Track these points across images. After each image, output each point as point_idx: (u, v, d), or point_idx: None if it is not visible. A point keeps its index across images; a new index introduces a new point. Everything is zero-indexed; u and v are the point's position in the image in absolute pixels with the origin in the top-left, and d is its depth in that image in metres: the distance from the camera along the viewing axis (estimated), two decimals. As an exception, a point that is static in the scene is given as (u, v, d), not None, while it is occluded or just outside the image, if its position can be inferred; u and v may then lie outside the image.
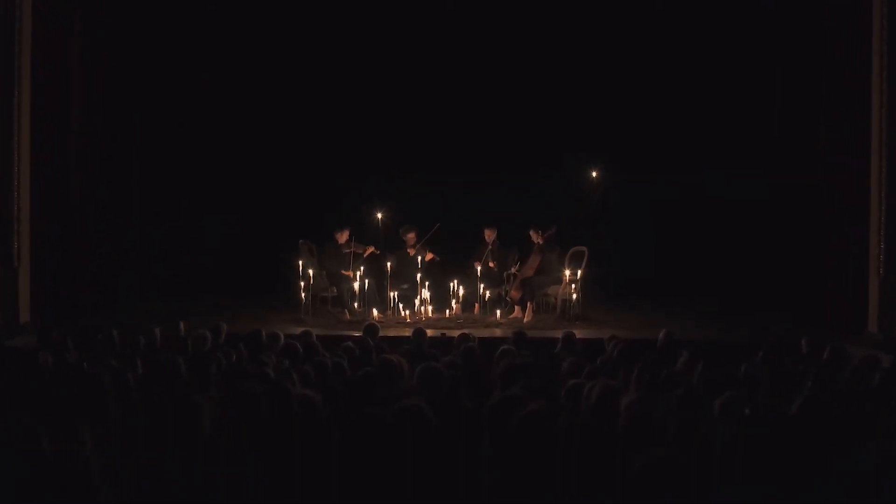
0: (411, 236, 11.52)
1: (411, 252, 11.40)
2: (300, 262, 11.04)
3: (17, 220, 9.84)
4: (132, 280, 11.82)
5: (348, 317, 10.93)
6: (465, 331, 8.50)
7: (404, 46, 12.53)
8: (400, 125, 12.81)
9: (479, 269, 11.16)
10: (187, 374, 5.62)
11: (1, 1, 9.65)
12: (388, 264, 11.09)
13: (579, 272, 10.92)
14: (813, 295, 10.72)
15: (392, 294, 10.99)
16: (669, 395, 4.84)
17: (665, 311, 11.14)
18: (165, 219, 12.53)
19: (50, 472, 3.06)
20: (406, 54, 12.57)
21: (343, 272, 11.16)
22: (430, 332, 8.45)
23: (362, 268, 11.11)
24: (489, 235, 11.44)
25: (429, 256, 11.48)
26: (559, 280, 10.98)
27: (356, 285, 10.96)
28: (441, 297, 11.28)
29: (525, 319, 10.78)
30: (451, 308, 11.09)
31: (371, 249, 11.44)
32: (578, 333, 8.47)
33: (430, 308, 11.05)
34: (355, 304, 11.03)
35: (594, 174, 12.27)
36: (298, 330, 8.51)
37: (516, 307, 11.16)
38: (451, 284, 11.09)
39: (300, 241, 11.56)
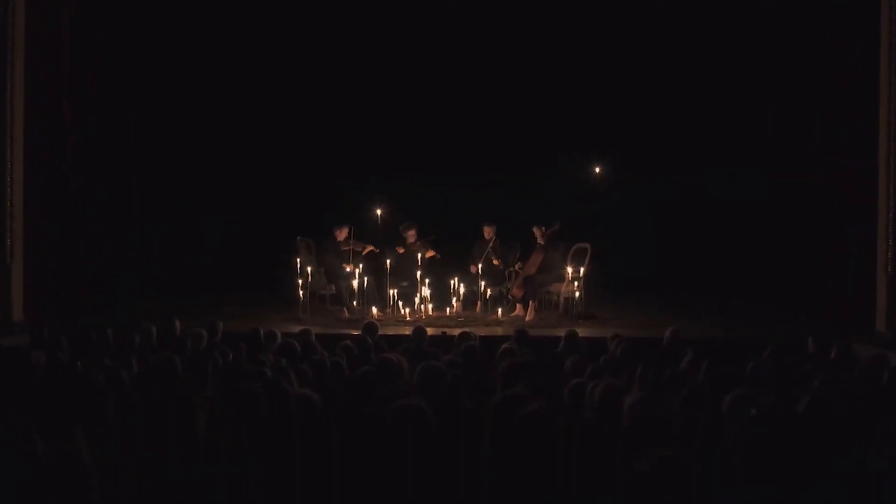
0: (412, 233, 11.52)
1: (400, 250, 11.36)
2: (298, 260, 11.04)
3: (10, 216, 9.84)
4: (127, 278, 11.81)
5: (347, 315, 10.92)
6: (466, 329, 8.49)
7: (403, 43, 12.52)
8: (399, 121, 12.81)
9: (480, 267, 11.15)
10: (183, 373, 5.63)
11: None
12: (388, 261, 11.09)
13: (582, 270, 10.90)
14: (819, 293, 10.71)
15: (391, 292, 10.98)
16: (674, 395, 4.84)
17: (669, 309, 11.13)
18: (161, 216, 12.51)
19: (44, 474, 3.05)
20: (405, 50, 12.56)
21: (344, 265, 11.16)
22: (430, 331, 8.45)
23: (361, 265, 11.10)
24: (488, 232, 11.44)
25: (429, 254, 11.48)
26: (562, 278, 10.97)
27: (355, 283, 10.96)
28: (441, 295, 11.28)
29: (527, 318, 10.77)
30: (451, 306, 11.09)
31: (370, 248, 11.44)
32: (581, 332, 8.46)
33: (430, 306, 11.05)
34: (354, 302, 11.03)
35: (597, 170, 12.25)
36: (297, 328, 8.50)
37: (518, 305, 11.16)
38: (452, 282, 11.09)
39: (298, 238, 11.55)
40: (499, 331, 9.97)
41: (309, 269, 11.06)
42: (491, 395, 5.05)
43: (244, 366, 6.17)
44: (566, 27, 12.47)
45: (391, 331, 9.50)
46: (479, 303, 11.20)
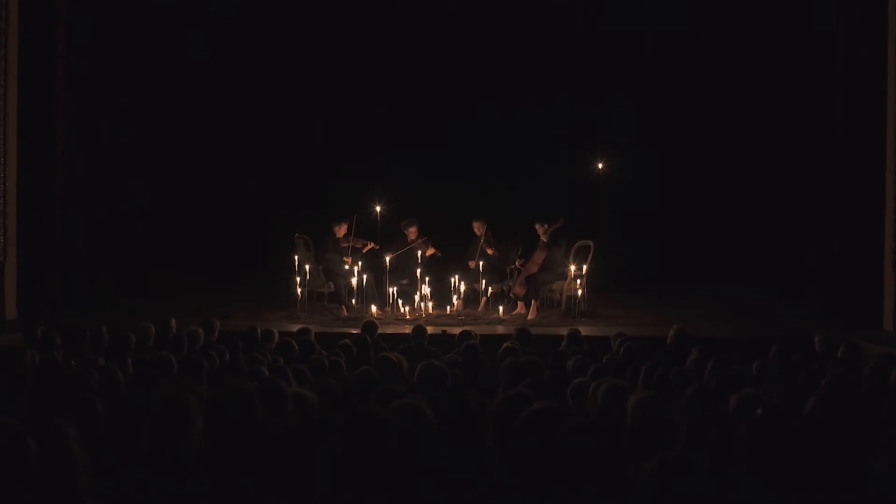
0: (413, 230, 11.50)
1: (388, 256, 11.32)
2: (296, 257, 11.03)
3: (4, 213, 9.84)
4: (122, 276, 11.80)
5: (346, 313, 10.91)
6: (467, 328, 8.49)
7: (403, 35, 12.50)
8: (399, 116, 12.79)
9: (481, 264, 11.13)
10: (179, 372, 5.62)
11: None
12: (387, 259, 11.07)
13: (585, 267, 10.89)
14: (826, 291, 10.70)
15: (391, 290, 10.97)
16: (679, 395, 4.82)
17: (673, 307, 11.13)
18: (156, 213, 12.51)
19: (36, 474, 3.04)
20: (405, 43, 12.54)
21: (344, 258, 11.13)
22: (430, 329, 8.44)
23: (360, 262, 11.09)
24: (478, 228, 11.42)
25: (430, 251, 11.47)
26: (564, 275, 10.96)
27: (354, 281, 10.94)
28: (442, 293, 11.28)
29: (529, 317, 10.76)
30: (452, 304, 11.07)
31: (371, 245, 11.42)
32: (584, 331, 8.46)
33: (430, 304, 11.04)
34: (353, 301, 11.02)
35: (600, 165, 12.24)
36: (296, 327, 8.50)
37: (519, 303, 11.14)
38: (452, 279, 11.08)
39: (296, 235, 11.54)
40: (500, 329, 9.97)
41: (307, 266, 11.05)
42: (492, 395, 5.04)
43: (241, 365, 6.16)
44: (571, 19, 12.44)
45: (391, 329, 9.51)
46: (483, 300, 11.19)
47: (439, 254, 11.55)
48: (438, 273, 11.36)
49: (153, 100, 12.29)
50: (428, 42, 12.51)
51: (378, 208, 11.47)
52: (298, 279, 10.90)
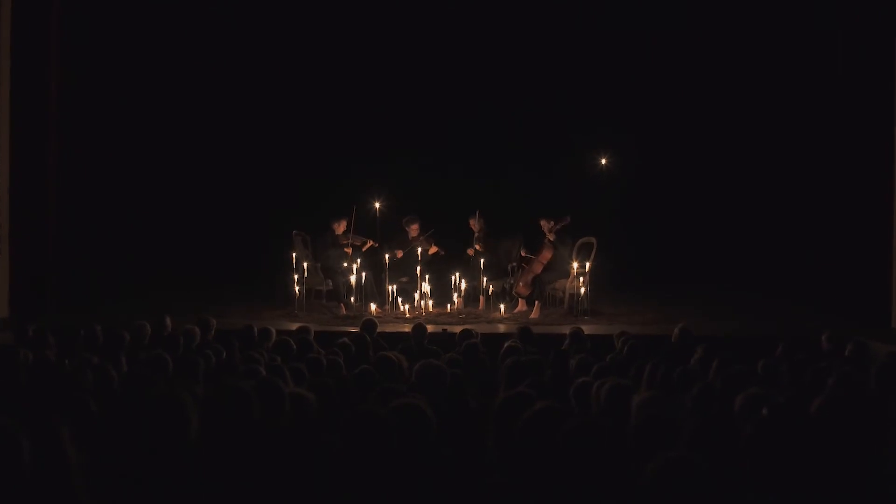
0: (414, 227, 11.50)
1: (399, 254, 11.32)
2: (294, 255, 11.03)
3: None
4: (117, 274, 11.80)
5: (344, 311, 10.92)
6: (468, 326, 8.49)
7: (404, 29, 12.48)
8: (400, 111, 12.77)
9: (481, 260, 11.11)
10: (174, 371, 5.62)
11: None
12: (387, 257, 11.07)
13: (588, 264, 10.88)
14: (833, 289, 10.70)
15: (390, 287, 10.97)
16: (683, 395, 4.82)
17: (678, 305, 11.12)
18: (151, 210, 12.50)
19: (29, 475, 3.04)
20: (405, 36, 12.52)
21: (341, 259, 11.13)
22: (430, 328, 8.45)
23: (359, 260, 11.09)
24: (473, 224, 11.41)
25: (433, 250, 11.46)
26: (567, 273, 10.94)
27: (353, 278, 10.94)
28: (442, 291, 11.27)
29: (532, 316, 10.75)
30: (452, 302, 11.07)
31: (371, 243, 11.42)
32: (587, 329, 8.46)
33: (430, 302, 11.04)
34: (352, 299, 11.01)
35: (603, 161, 12.23)
36: (294, 326, 8.51)
37: (521, 301, 11.14)
38: (453, 277, 11.07)
39: (293, 231, 11.54)
40: (501, 328, 9.98)
41: (305, 264, 11.04)
42: (493, 394, 5.04)
43: (237, 364, 6.17)
44: (572, 15, 12.42)
45: (390, 328, 9.52)
46: (482, 298, 11.19)
47: (442, 252, 11.54)
48: (439, 271, 11.35)
49: (149, 96, 12.27)
50: (428, 39, 12.48)
51: (377, 205, 11.47)
52: (296, 277, 10.89)
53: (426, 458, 3.57)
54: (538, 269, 11.04)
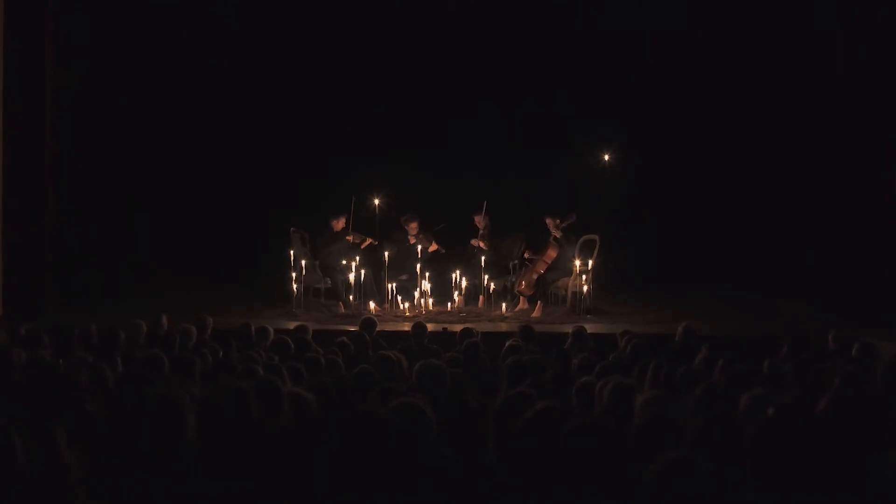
0: (413, 226, 11.50)
1: (413, 240, 11.37)
2: (291, 252, 11.03)
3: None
4: (112, 272, 11.81)
5: (343, 310, 10.93)
6: (468, 325, 8.50)
7: (403, 24, 12.46)
8: (399, 106, 12.76)
9: (482, 258, 11.11)
10: (170, 371, 5.63)
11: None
12: (386, 254, 11.07)
13: (591, 262, 10.88)
14: (840, 287, 10.70)
15: (390, 286, 10.97)
16: (687, 395, 4.83)
17: (682, 304, 11.13)
18: (146, 208, 12.50)
19: (23, 476, 3.05)
20: (404, 32, 12.50)
21: (340, 257, 11.13)
22: (430, 327, 8.46)
23: (358, 258, 11.09)
24: (478, 221, 11.42)
25: (433, 248, 11.46)
26: (570, 271, 10.94)
27: (352, 276, 10.95)
28: (442, 289, 11.28)
29: (534, 314, 10.75)
30: (453, 301, 11.08)
31: (370, 240, 11.43)
32: (590, 328, 8.47)
33: (430, 301, 11.05)
34: (351, 297, 11.02)
35: (606, 157, 12.23)
36: (292, 324, 8.52)
37: (522, 299, 11.14)
38: (454, 275, 11.08)
39: (291, 229, 11.54)
40: (503, 327, 9.98)
41: (303, 261, 11.04)
42: (494, 394, 5.05)
43: (235, 363, 6.17)
44: (573, 14, 12.42)
45: (389, 327, 9.54)
46: (482, 297, 11.19)
47: (443, 250, 11.55)
48: (439, 268, 11.35)
49: (148, 95, 12.27)
50: (428, 39, 12.47)
51: (376, 202, 11.47)
52: (294, 275, 10.89)
53: (426, 458, 3.57)
54: (542, 268, 11.03)
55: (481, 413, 4.71)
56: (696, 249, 12.37)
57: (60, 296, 10.84)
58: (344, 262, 11.12)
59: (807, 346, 6.94)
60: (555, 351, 6.93)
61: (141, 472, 3.37)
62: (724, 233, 12.41)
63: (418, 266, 11.05)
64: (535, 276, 11.05)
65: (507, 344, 6.87)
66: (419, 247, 11.22)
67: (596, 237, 11.20)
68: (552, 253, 10.99)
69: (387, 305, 10.98)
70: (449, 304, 11.09)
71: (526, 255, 11.30)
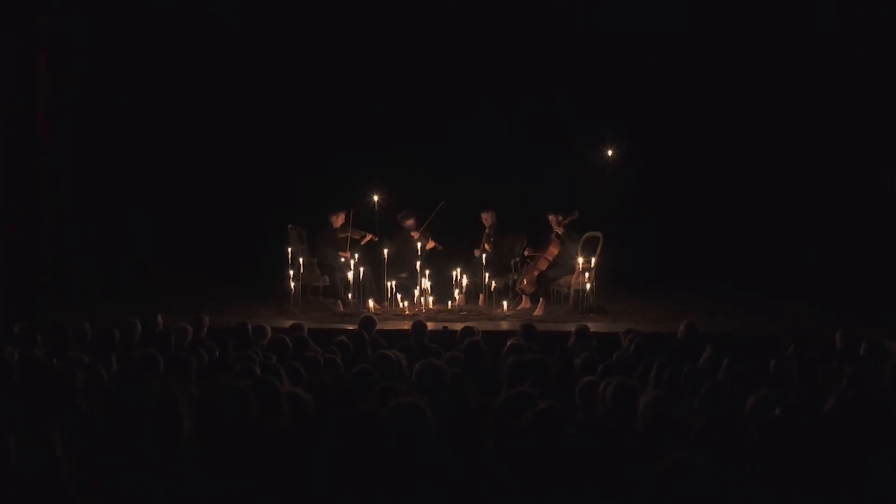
0: (411, 222, 11.51)
1: (416, 235, 11.37)
2: (289, 250, 11.03)
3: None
4: (107, 270, 11.80)
5: (342, 308, 10.93)
6: (469, 324, 8.50)
7: (402, 20, 12.45)
8: (398, 101, 12.76)
9: (482, 256, 11.14)
10: (166, 370, 5.64)
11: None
12: (385, 251, 11.08)
13: (593, 260, 10.88)
14: (847, 286, 10.70)
15: (389, 284, 10.98)
16: (692, 394, 4.83)
17: (687, 302, 11.12)
18: (142, 204, 12.49)
19: (16, 477, 3.06)
20: (403, 27, 12.49)
21: (340, 252, 11.14)
22: (430, 326, 8.47)
23: (357, 255, 11.09)
24: (486, 219, 11.42)
25: (430, 244, 11.47)
26: (572, 269, 10.94)
27: (351, 274, 10.95)
28: (443, 287, 11.29)
29: (536, 313, 10.76)
30: (453, 299, 11.09)
31: (370, 237, 11.43)
32: (593, 327, 8.48)
33: (430, 299, 11.06)
34: (349, 295, 11.02)
35: (609, 153, 12.23)
36: (288, 323, 8.52)
37: (524, 297, 11.15)
38: (454, 273, 11.08)
39: (289, 226, 11.54)
40: (504, 325, 10.00)
41: (301, 259, 11.05)
42: (495, 394, 5.05)
43: (231, 363, 6.18)
44: (574, 11, 12.41)
45: (389, 325, 9.54)
46: (482, 295, 11.20)
47: (440, 247, 11.55)
48: (439, 266, 11.36)
49: (147, 93, 12.27)
50: (429, 37, 12.47)
51: (375, 198, 11.47)
52: (292, 272, 10.90)
53: (426, 459, 3.58)
54: (543, 265, 11.03)
55: (482, 413, 4.71)
56: (700, 249, 12.36)
57: (59, 296, 10.84)
58: (343, 259, 11.12)
59: (813, 346, 6.95)
60: (557, 350, 6.96)
61: (136, 473, 3.38)
62: (724, 233, 12.41)
63: (418, 264, 11.06)
64: (536, 273, 11.05)
65: (508, 343, 6.86)
66: (418, 244, 11.22)
67: (599, 234, 11.21)
68: (554, 249, 10.99)
69: (386, 304, 10.99)
70: (449, 302, 11.10)
71: (527, 253, 11.31)
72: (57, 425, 3.34)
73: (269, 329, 7.59)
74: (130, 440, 3.55)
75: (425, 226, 11.44)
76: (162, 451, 3.47)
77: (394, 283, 11.02)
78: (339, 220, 11.32)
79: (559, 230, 10.99)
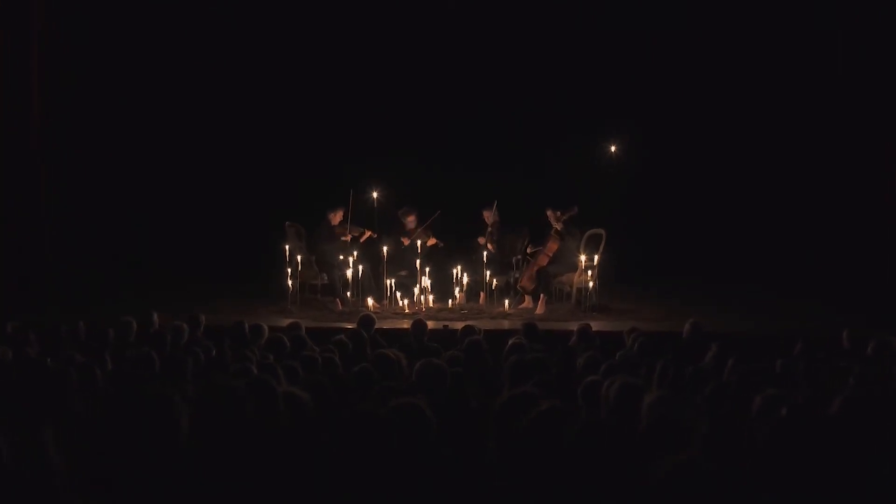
0: (411, 219, 11.50)
1: (406, 241, 11.37)
2: (287, 247, 11.02)
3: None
4: (102, 268, 11.81)
5: (340, 307, 10.93)
6: (470, 322, 8.50)
7: (402, 23, 12.46)
8: (397, 97, 12.76)
9: (487, 245, 11.11)
10: (161, 369, 5.63)
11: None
12: (385, 249, 11.07)
13: (596, 257, 10.88)
14: (855, 284, 10.69)
15: (389, 282, 10.97)
16: (696, 395, 4.83)
17: (691, 300, 11.12)
18: (138, 202, 12.51)
19: (9, 478, 3.06)
20: (402, 23, 12.50)
21: (337, 252, 11.13)
22: (430, 325, 8.47)
23: (356, 253, 11.08)
24: (487, 217, 11.42)
25: (431, 242, 11.46)
26: (574, 267, 10.94)
27: (349, 272, 10.94)
28: (443, 286, 11.28)
29: (537, 311, 10.76)
30: (454, 297, 11.08)
31: (369, 233, 11.43)
32: (595, 325, 8.46)
33: (430, 297, 11.06)
34: (348, 293, 11.02)
35: (612, 149, 12.22)
36: (285, 322, 8.52)
37: (526, 296, 11.15)
38: (454, 271, 11.08)
39: (287, 223, 11.53)
40: (505, 324, 10.00)
41: (299, 256, 11.04)
42: (497, 394, 5.05)
43: (228, 362, 6.18)
44: (576, 12, 12.41)
45: (388, 324, 9.55)
46: (483, 294, 11.19)
47: (441, 244, 11.55)
48: (439, 264, 11.35)
49: (146, 93, 12.29)
50: (429, 37, 12.47)
51: (375, 195, 11.46)
52: (289, 270, 10.89)
53: (426, 459, 3.58)
54: (544, 261, 11.03)
55: (483, 413, 4.71)
56: (704, 247, 12.37)
57: (57, 295, 10.84)
58: (341, 257, 11.11)
59: (821, 345, 6.94)
60: (559, 349, 6.95)
61: (131, 473, 3.38)
62: (732, 230, 12.42)
63: (418, 262, 11.06)
64: (535, 269, 11.06)
65: (509, 342, 6.86)
66: (418, 242, 11.22)
67: (602, 232, 11.20)
68: (553, 246, 11.00)
69: (385, 302, 10.98)
70: (450, 300, 11.09)
71: (528, 251, 11.32)
72: (50, 426, 3.33)
73: (266, 328, 7.58)
74: (125, 441, 3.55)
75: (421, 228, 11.43)
76: (157, 452, 3.46)
77: (393, 281, 11.01)
78: (337, 217, 11.31)
79: (558, 226, 10.99)
